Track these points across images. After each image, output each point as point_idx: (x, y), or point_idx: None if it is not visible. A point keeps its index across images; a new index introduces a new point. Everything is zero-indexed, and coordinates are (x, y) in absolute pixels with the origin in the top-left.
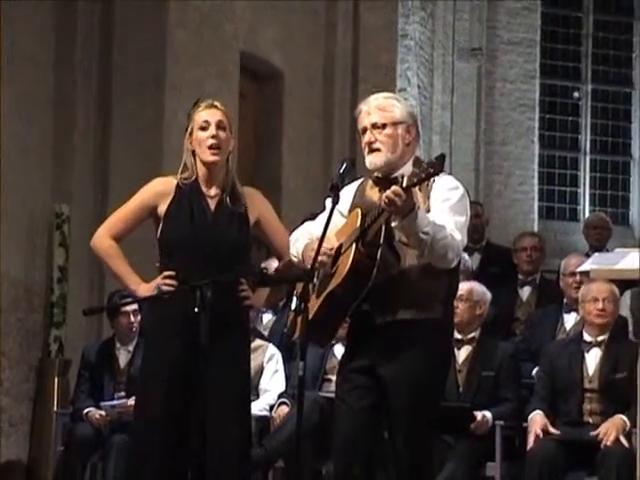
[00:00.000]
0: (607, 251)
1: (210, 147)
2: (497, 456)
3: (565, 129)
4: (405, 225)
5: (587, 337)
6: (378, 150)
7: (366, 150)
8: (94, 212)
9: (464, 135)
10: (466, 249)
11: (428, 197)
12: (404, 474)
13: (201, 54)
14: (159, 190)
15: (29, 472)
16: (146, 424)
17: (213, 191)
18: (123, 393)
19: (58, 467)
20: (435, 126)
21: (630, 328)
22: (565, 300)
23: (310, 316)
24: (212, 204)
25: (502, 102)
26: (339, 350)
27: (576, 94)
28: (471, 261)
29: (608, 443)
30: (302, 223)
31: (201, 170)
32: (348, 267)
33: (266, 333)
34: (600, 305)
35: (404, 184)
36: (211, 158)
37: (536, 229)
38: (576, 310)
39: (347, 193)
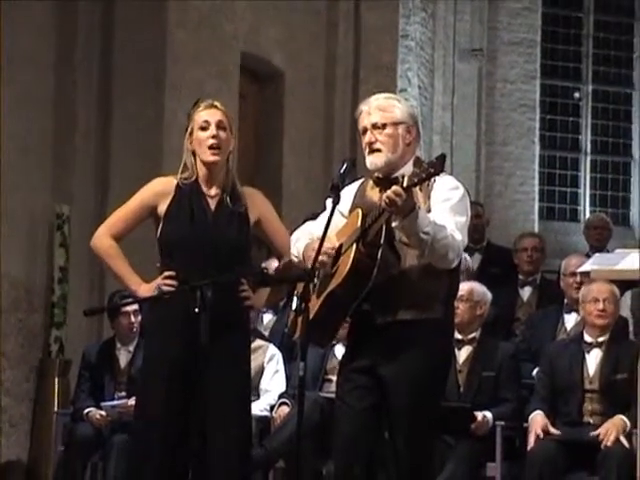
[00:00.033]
0: (607, 252)
1: (210, 147)
2: (497, 456)
3: (566, 130)
4: (406, 225)
5: (587, 338)
6: (378, 150)
7: (366, 150)
8: (94, 212)
9: (465, 136)
10: (467, 249)
11: (429, 197)
12: (404, 474)
13: (201, 54)
14: (159, 190)
15: (29, 472)
16: (146, 423)
17: (213, 191)
18: (123, 393)
19: (58, 467)
20: (436, 127)
21: (630, 328)
22: (565, 300)
23: (310, 316)
24: (212, 204)
25: (503, 103)
26: (340, 350)
27: (577, 95)
28: (472, 261)
29: (608, 443)
30: (303, 223)
31: (201, 170)
32: (348, 267)
33: (267, 333)
34: (601, 306)
35: (405, 184)
36: (211, 158)
37: (537, 230)
38: (576, 310)
39: (348, 193)
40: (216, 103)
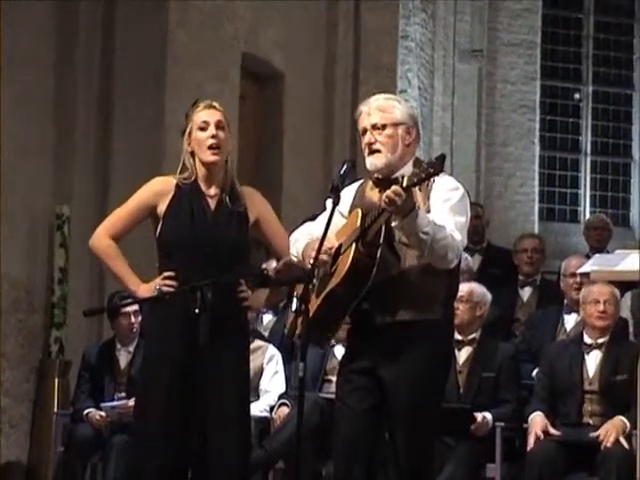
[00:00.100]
0: (607, 252)
1: (210, 147)
2: (497, 457)
3: (566, 130)
4: (405, 225)
5: (587, 339)
6: (378, 151)
7: (366, 151)
8: (95, 213)
9: (465, 136)
10: (467, 250)
11: (428, 198)
12: (404, 476)
13: (201, 55)
14: (158, 190)
15: (29, 473)
16: (146, 424)
17: (213, 191)
18: (123, 394)
19: (58, 468)
20: (436, 127)
21: (630, 329)
22: (565, 301)
23: (309, 315)
24: (212, 204)
25: (503, 103)
26: (339, 351)
27: (577, 95)
28: (472, 262)
29: (608, 444)
30: (303, 223)
31: (200, 170)
32: (348, 266)
33: (266, 334)
34: (601, 307)
35: (404, 184)
36: (211, 158)
37: (537, 230)
38: (576, 311)
39: (347, 194)
40: (214, 103)
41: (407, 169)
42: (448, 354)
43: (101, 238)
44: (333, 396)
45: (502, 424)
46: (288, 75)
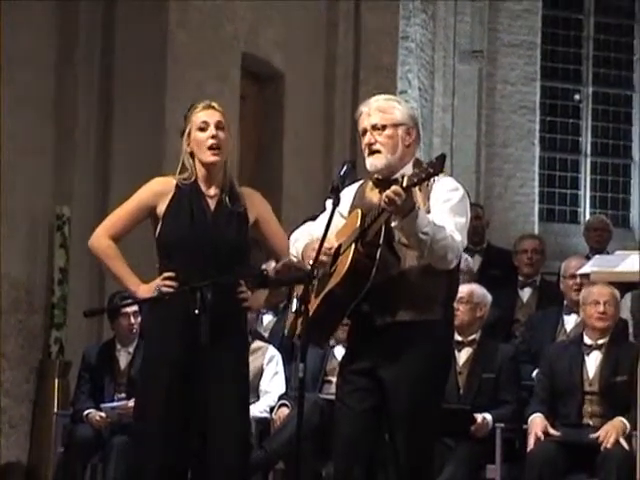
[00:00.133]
0: (607, 253)
1: (210, 147)
2: (497, 458)
3: (566, 131)
4: (405, 225)
5: (587, 340)
6: (378, 152)
7: (366, 152)
8: (95, 213)
9: (465, 137)
10: (467, 251)
11: (428, 198)
12: (404, 476)
13: (202, 55)
14: (158, 190)
15: (29, 473)
16: (146, 424)
17: (212, 191)
18: (123, 395)
19: (58, 468)
20: (436, 128)
21: (630, 330)
22: (565, 302)
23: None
24: (212, 204)
25: (503, 104)
26: (339, 352)
27: (577, 96)
28: (472, 263)
29: (608, 445)
30: (303, 223)
31: (200, 171)
32: (347, 266)
33: (266, 334)
34: (601, 308)
35: (404, 184)
36: (211, 158)
37: (536, 231)
38: (576, 312)
39: (347, 195)
40: (214, 104)
41: (407, 170)
42: (448, 355)
43: (101, 238)
44: (333, 397)
45: (502, 425)
46: (288, 75)
